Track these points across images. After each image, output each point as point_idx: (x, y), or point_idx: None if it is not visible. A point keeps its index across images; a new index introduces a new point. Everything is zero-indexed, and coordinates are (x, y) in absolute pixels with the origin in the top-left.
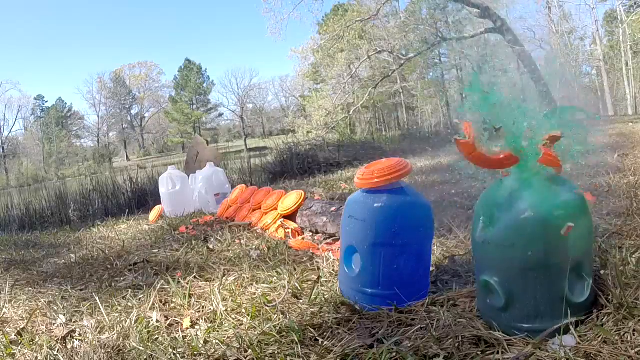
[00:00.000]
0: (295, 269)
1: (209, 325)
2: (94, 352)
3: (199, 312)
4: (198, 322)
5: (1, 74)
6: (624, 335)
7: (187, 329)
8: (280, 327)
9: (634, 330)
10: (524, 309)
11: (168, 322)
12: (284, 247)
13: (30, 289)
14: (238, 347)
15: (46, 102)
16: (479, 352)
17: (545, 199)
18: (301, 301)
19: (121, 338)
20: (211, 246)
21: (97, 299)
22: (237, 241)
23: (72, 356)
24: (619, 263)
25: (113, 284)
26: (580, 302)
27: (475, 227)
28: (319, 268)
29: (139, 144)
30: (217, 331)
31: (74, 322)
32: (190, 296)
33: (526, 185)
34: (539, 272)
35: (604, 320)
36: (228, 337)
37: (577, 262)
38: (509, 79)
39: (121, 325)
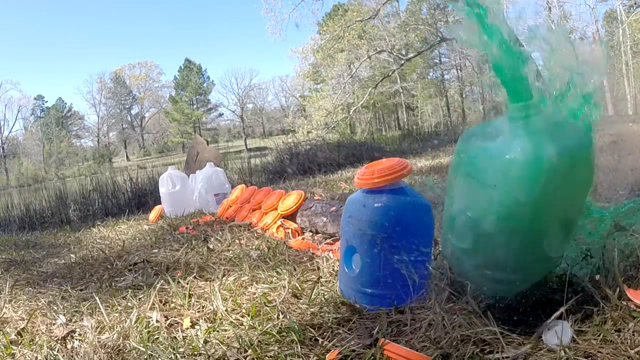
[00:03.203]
0: (295, 269)
1: (209, 325)
2: (94, 352)
3: (199, 312)
4: (198, 322)
5: (1, 74)
6: (623, 335)
7: (187, 329)
8: (280, 327)
9: (633, 331)
10: (492, 257)
11: (168, 322)
12: (284, 247)
13: (30, 289)
14: (238, 347)
15: (46, 102)
16: (477, 352)
17: (539, 142)
18: (301, 301)
19: (121, 338)
20: (211, 246)
21: (97, 299)
22: (237, 241)
23: (72, 356)
24: (619, 263)
25: (113, 284)
26: (556, 258)
27: (458, 161)
28: (319, 268)
29: (139, 144)
30: (217, 331)
31: (74, 322)
32: (190, 296)
33: (521, 125)
34: (516, 221)
35: (603, 320)
36: (228, 337)
37: (566, 217)
38: None
39: (121, 325)
